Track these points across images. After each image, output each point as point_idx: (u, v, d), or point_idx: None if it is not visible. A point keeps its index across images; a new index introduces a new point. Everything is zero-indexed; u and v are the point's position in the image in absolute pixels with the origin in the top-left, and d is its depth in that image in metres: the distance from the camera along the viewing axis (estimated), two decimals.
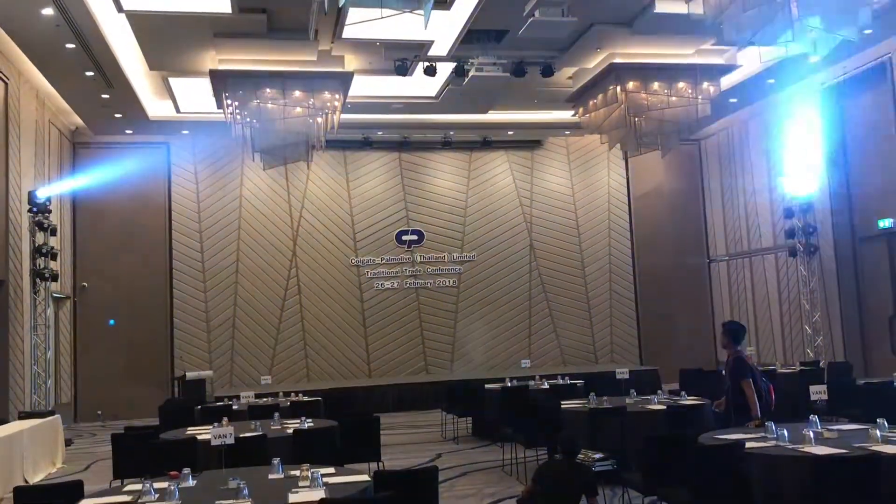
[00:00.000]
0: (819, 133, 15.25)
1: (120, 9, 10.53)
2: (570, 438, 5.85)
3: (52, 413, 11.51)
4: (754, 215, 17.45)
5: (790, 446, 5.49)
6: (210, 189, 17.51)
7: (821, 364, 13.39)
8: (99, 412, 16.17)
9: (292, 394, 11.48)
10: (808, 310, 15.41)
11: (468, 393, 11.86)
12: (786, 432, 5.73)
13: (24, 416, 11.26)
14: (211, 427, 7.20)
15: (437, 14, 10.98)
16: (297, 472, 5.17)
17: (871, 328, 14.58)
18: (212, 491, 4.92)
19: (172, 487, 4.83)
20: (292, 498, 4.66)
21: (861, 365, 14.44)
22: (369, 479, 5.16)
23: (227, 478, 5.05)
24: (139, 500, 4.76)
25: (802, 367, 12.29)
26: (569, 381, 11.59)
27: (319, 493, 4.70)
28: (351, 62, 13.13)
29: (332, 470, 5.45)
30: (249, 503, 4.57)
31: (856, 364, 14.20)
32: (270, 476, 5.36)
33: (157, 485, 4.97)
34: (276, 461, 5.52)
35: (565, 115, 16.69)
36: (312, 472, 5.04)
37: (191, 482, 5.22)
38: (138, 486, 5.03)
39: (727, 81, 14.59)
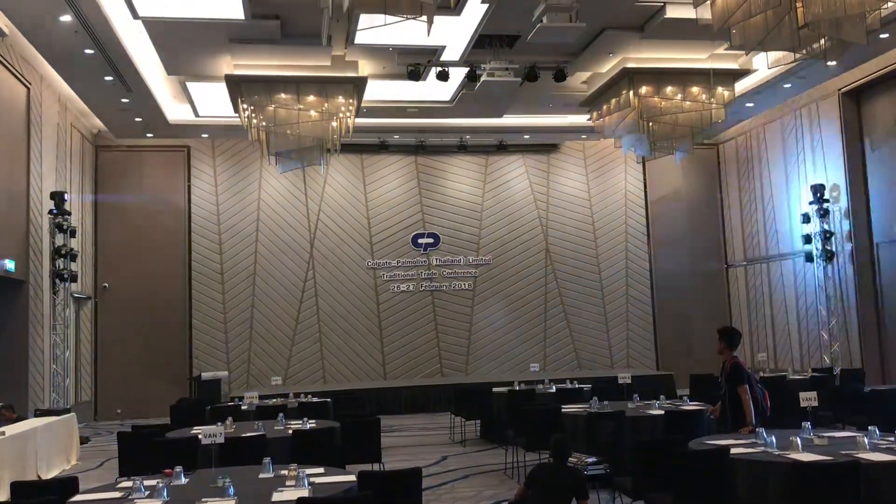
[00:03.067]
0: (837, 137, 15.12)
1: (135, 15, 10.76)
2: (560, 441, 5.89)
3: (67, 411, 11.75)
4: (772, 220, 17.31)
5: (777, 452, 5.48)
6: (229, 192, 17.75)
7: (835, 371, 13.26)
8: (118, 410, 16.45)
9: (302, 395, 11.59)
10: (824, 316, 15.28)
11: (477, 396, 11.91)
12: (774, 439, 5.73)
13: (40, 413, 11.50)
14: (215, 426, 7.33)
15: (447, 19, 11.11)
16: (286, 472, 5.30)
17: (889, 335, 14.42)
18: (200, 489, 5.03)
19: (162, 485, 4.95)
20: (276, 496, 4.76)
21: (878, 372, 14.29)
22: (355, 479, 5.24)
23: (217, 476, 5.16)
24: (129, 497, 4.88)
25: (814, 374, 12.18)
26: (577, 386, 11.60)
27: (303, 493, 4.80)
28: (364, 67, 13.26)
29: (321, 470, 5.55)
30: (234, 501, 4.68)
31: (873, 371, 14.07)
32: (261, 475, 5.47)
33: (147, 482, 5.11)
34: (266, 461, 5.63)
35: (581, 119, 16.66)
36: (299, 472, 5.15)
37: (182, 480, 5.35)
38: (129, 484, 5.16)
39: (743, 86, 14.56)
